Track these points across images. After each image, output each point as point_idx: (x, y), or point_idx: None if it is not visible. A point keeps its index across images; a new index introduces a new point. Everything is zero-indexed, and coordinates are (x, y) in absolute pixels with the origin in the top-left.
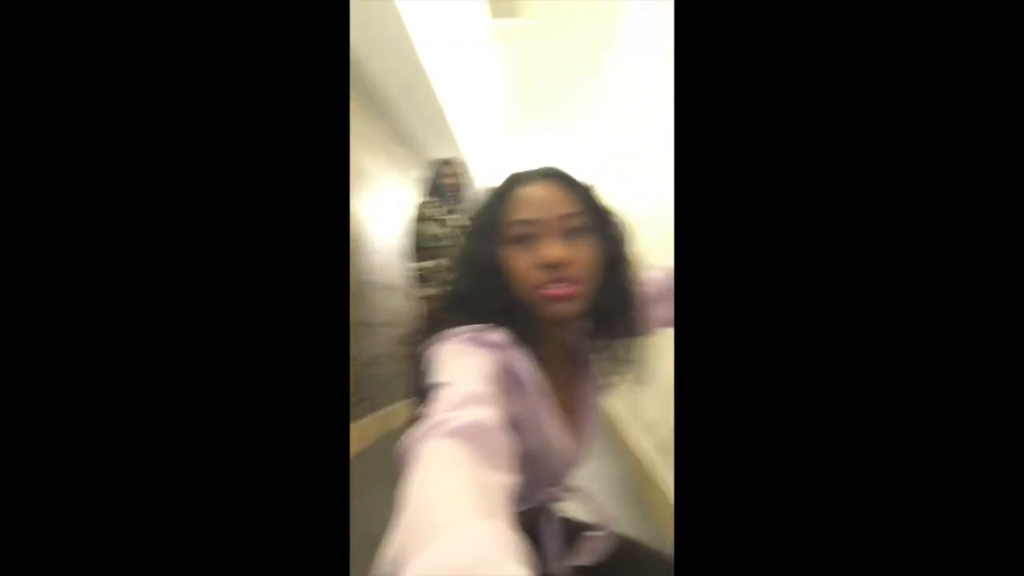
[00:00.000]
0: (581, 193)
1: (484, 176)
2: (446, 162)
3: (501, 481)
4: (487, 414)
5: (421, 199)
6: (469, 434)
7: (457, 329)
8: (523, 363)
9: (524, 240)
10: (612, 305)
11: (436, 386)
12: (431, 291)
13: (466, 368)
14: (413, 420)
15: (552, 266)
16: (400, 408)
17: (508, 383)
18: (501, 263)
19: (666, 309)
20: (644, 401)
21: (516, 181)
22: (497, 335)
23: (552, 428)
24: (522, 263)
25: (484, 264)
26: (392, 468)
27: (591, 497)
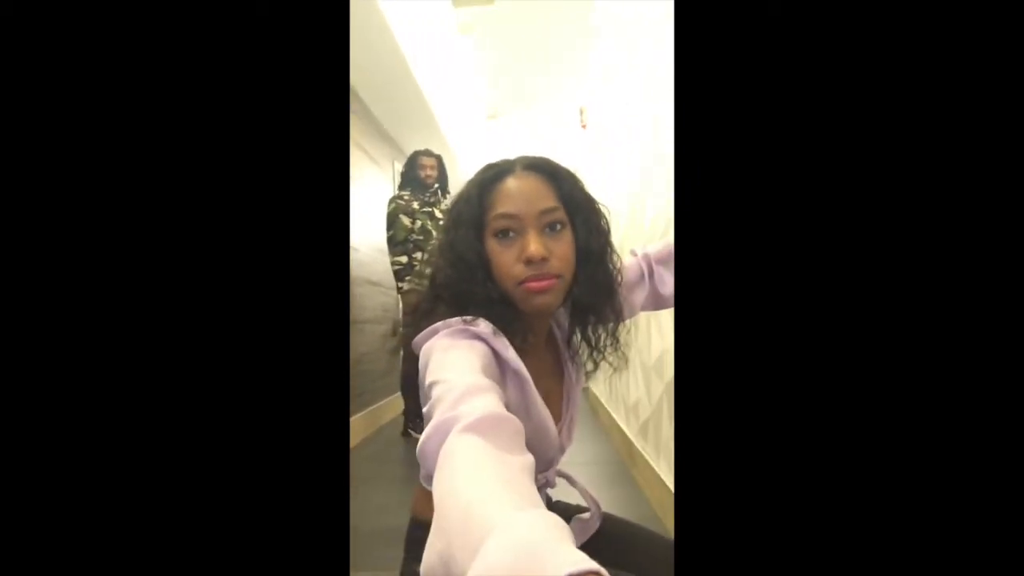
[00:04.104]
0: (562, 184)
1: (465, 167)
2: (422, 154)
3: (524, 463)
4: (492, 401)
5: (395, 193)
6: (485, 426)
7: (442, 323)
8: (509, 352)
9: (506, 233)
10: (593, 293)
11: (433, 384)
12: (408, 286)
13: (458, 361)
14: (403, 413)
15: (533, 262)
16: (390, 403)
17: (498, 372)
18: (484, 255)
19: (642, 294)
20: (627, 384)
21: (498, 172)
22: (483, 325)
23: (542, 414)
24: (505, 257)
25: (467, 256)
26: (385, 464)
27: (578, 480)
